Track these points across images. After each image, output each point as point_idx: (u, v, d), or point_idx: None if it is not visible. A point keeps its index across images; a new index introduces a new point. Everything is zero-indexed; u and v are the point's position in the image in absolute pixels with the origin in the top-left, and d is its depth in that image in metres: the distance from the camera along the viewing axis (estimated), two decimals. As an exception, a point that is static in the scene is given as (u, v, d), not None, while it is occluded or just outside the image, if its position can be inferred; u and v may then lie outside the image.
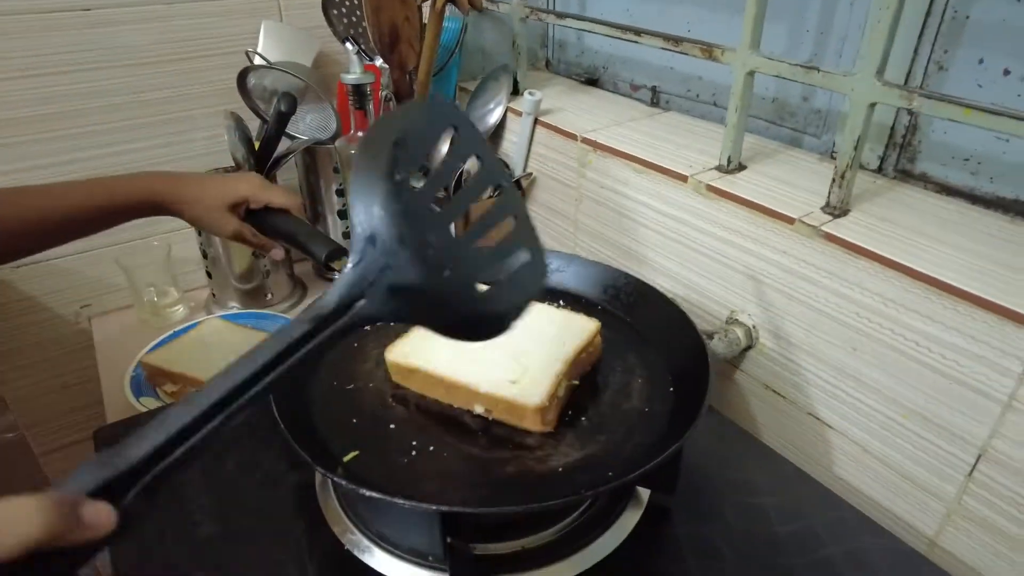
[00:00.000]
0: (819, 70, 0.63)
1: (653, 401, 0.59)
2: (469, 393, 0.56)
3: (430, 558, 0.53)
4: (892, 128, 0.71)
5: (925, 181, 0.70)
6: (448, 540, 0.48)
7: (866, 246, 0.59)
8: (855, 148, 0.62)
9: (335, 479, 0.47)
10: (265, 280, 1.00)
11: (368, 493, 0.46)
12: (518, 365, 0.57)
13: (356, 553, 0.54)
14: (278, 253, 0.74)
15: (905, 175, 0.72)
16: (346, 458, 0.53)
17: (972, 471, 0.57)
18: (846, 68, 0.69)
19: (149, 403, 0.81)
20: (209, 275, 0.99)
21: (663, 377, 0.62)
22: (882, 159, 0.73)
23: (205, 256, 0.98)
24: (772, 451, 0.66)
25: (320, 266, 0.67)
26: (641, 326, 0.68)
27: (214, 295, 1.01)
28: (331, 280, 0.68)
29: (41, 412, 1.05)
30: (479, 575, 0.53)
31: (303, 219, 0.71)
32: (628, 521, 0.57)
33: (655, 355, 0.65)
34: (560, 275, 0.74)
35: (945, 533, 0.60)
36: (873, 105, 0.60)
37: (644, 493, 0.59)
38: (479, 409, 0.56)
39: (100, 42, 0.90)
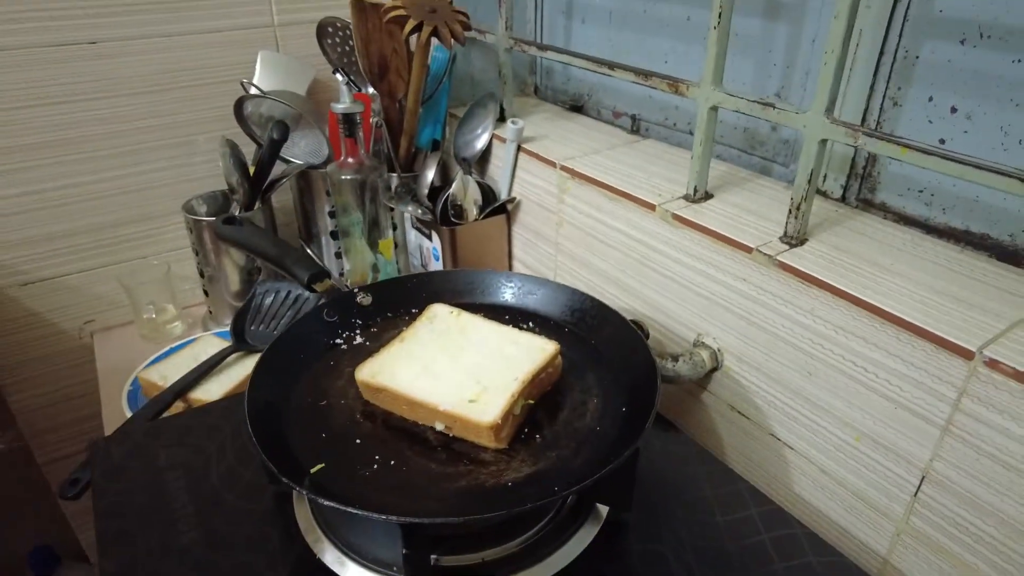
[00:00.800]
0: (775, 107, 0.66)
1: (604, 419, 0.62)
2: (430, 411, 0.59)
3: (395, 568, 0.56)
4: (853, 159, 0.74)
5: (884, 211, 0.73)
6: (405, 550, 0.51)
7: (818, 275, 0.62)
8: (808, 181, 0.65)
9: (299, 490, 0.51)
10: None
11: (326, 503, 0.49)
12: (477, 384, 0.60)
13: (327, 562, 0.57)
14: None
15: (866, 204, 0.75)
16: (313, 470, 0.56)
17: (917, 492, 0.59)
18: (807, 103, 0.72)
19: None
20: (206, 293, 1.04)
21: (617, 397, 0.65)
22: (845, 188, 0.76)
23: (202, 275, 1.02)
24: (731, 471, 0.68)
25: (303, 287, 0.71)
26: (602, 347, 0.71)
27: (211, 312, 1.05)
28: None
29: (44, 423, 1.10)
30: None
31: (287, 243, 0.74)
32: (586, 535, 0.60)
33: (612, 376, 0.67)
34: (531, 297, 0.78)
35: (896, 552, 0.62)
36: (824, 141, 0.63)
37: (603, 509, 0.62)
38: (440, 426, 0.60)
39: (105, 73, 0.95)
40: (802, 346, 0.65)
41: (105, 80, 0.95)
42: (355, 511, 0.48)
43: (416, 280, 0.79)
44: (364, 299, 0.75)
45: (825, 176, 0.77)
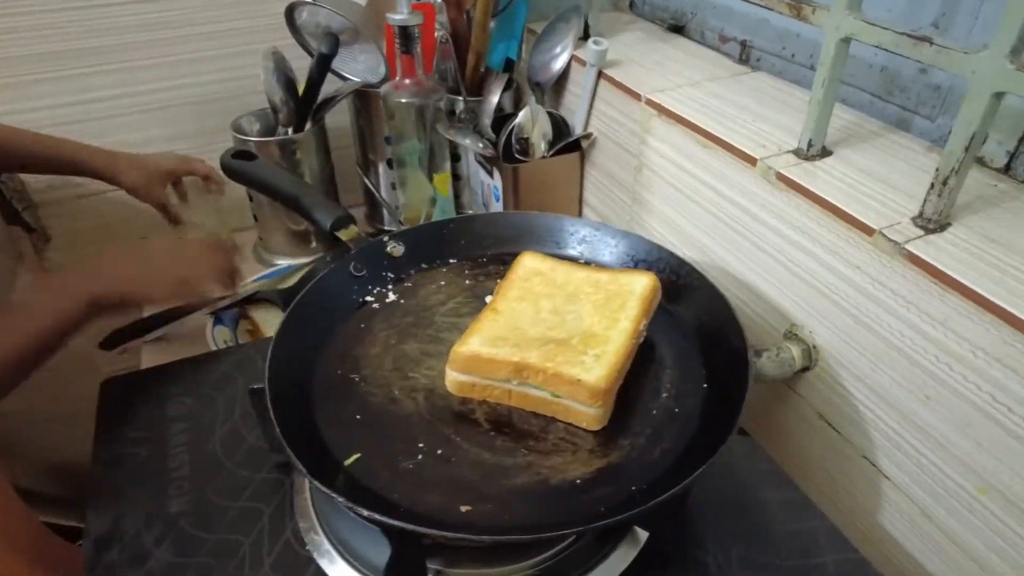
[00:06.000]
0: (931, 42, 0.49)
1: (684, 399, 0.53)
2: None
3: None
4: (1031, 118, 0.56)
5: (1066, 190, 0.55)
6: (393, 557, 0.43)
7: (958, 277, 0.47)
8: (966, 148, 0.48)
9: (333, 496, 0.42)
10: (311, 225, 0.97)
11: (368, 514, 0.41)
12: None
13: (315, 557, 0.51)
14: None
15: (1040, 179, 0.57)
16: (347, 462, 0.49)
17: (1057, 573, 0.45)
18: (978, 39, 0.54)
19: (224, 334, 0.82)
20: (255, 218, 0.98)
21: (697, 371, 0.55)
22: (1012, 156, 0.58)
23: (251, 199, 0.96)
24: (808, 502, 0.56)
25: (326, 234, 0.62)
26: (682, 317, 0.60)
27: (261, 239, 1.00)
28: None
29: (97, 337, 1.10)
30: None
31: (307, 183, 0.65)
32: (618, 563, 0.51)
33: (690, 347, 0.58)
34: (587, 247, 0.67)
35: (1010, 634, 0.49)
36: (1000, 95, 0.46)
37: (642, 533, 0.52)
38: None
39: (151, -30, 0.87)
40: (923, 363, 0.51)
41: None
42: (397, 524, 0.40)
43: (454, 225, 0.68)
44: (395, 249, 0.65)
45: (986, 138, 0.59)
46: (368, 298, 0.64)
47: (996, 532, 0.49)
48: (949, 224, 0.52)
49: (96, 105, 0.93)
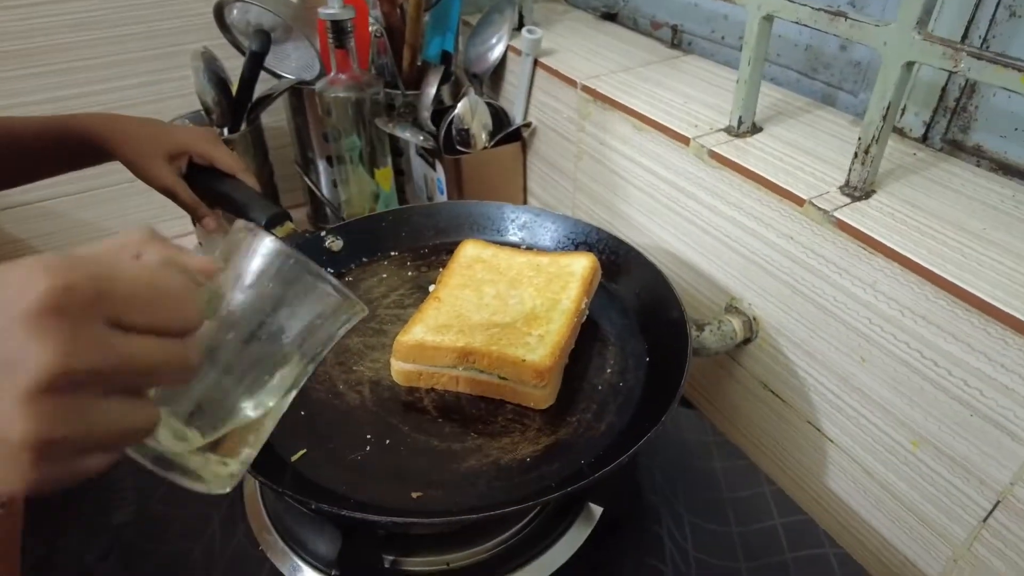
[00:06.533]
0: (847, 17, 0.50)
1: (627, 373, 0.54)
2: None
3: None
4: (944, 88, 0.58)
5: (979, 156, 0.58)
6: (343, 551, 0.43)
7: (885, 240, 0.49)
8: (883, 117, 0.50)
9: (279, 491, 0.42)
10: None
11: (316, 506, 0.41)
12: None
13: (270, 557, 0.50)
14: (210, 223, 0.68)
15: (955, 147, 0.59)
16: (293, 458, 0.48)
17: (987, 517, 0.47)
18: (890, 14, 0.56)
19: None
20: (194, 222, 0.95)
21: (639, 344, 0.56)
22: (928, 125, 0.60)
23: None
24: (755, 469, 0.58)
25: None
26: (622, 295, 0.61)
27: (201, 243, 0.97)
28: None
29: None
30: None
31: (244, 182, 0.64)
32: (574, 539, 0.51)
33: (630, 322, 0.59)
34: (525, 232, 0.67)
35: (949, 580, 0.52)
36: (911, 64, 0.48)
37: (596, 509, 0.53)
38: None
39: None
40: (857, 325, 0.53)
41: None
42: (346, 513, 0.40)
43: (392, 217, 0.68)
44: (334, 243, 0.64)
45: (904, 109, 0.61)
46: (310, 295, 0.63)
47: (930, 482, 0.51)
48: (874, 192, 0.54)
49: (19, 111, 0.89)
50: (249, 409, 0.31)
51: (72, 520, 0.53)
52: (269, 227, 0.60)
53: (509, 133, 0.88)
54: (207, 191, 0.64)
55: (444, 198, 0.89)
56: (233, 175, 0.63)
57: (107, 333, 0.24)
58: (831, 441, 0.59)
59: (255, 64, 0.81)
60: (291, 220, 0.62)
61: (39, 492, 0.24)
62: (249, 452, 0.32)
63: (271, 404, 0.32)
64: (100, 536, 0.52)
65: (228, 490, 0.31)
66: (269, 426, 0.33)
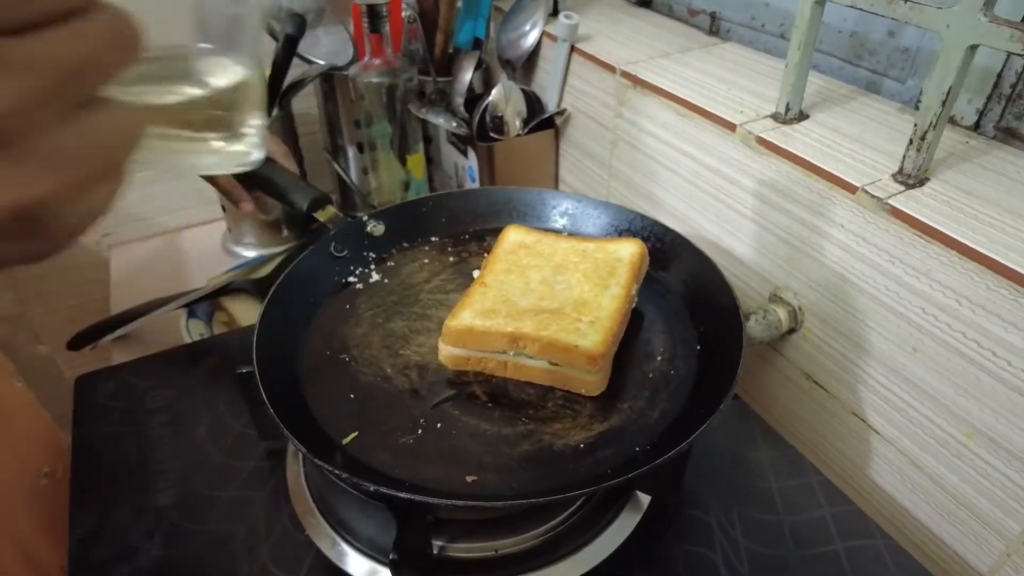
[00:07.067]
0: (906, 0, 0.49)
1: (676, 360, 0.53)
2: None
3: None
4: (999, 74, 0.57)
5: (1034, 144, 0.57)
6: (398, 534, 0.43)
7: (941, 228, 0.48)
8: (943, 103, 0.49)
9: (333, 472, 0.42)
10: (282, 214, 0.95)
11: (375, 488, 0.41)
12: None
13: (314, 540, 0.50)
14: (247, 206, 0.67)
15: (1009, 135, 0.58)
16: (345, 441, 0.48)
17: (1045, 511, 0.47)
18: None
19: (198, 327, 0.79)
20: (224, 208, 0.95)
21: (688, 332, 0.56)
22: (981, 113, 0.59)
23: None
24: (802, 459, 0.57)
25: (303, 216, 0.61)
26: (670, 283, 0.60)
27: (230, 229, 0.97)
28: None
29: (66, 337, 1.06)
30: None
31: (282, 165, 0.63)
32: (622, 528, 0.51)
33: (678, 310, 0.58)
34: (568, 220, 0.67)
35: (1001, 574, 0.51)
36: (973, 48, 0.47)
37: (644, 498, 0.52)
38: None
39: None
40: (909, 315, 0.52)
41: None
42: (405, 496, 0.40)
43: (432, 203, 0.67)
44: (375, 228, 0.64)
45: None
46: (351, 279, 0.62)
47: (984, 475, 0.50)
48: (927, 179, 0.53)
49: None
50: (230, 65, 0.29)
51: (119, 500, 0.53)
52: (311, 210, 0.60)
53: (542, 120, 0.87)
54: (250, 178, 0.63)
55: (475, 185, 0.89)
56: (272, 159, 0.62)
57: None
58: (877, 432, 0.58)
59: (290, 48, 0.81)
60: (332, 204, 0.61)
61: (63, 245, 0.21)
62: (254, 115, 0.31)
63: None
64: (145, 516, 0.52)
65: (260, 155, 0.30)
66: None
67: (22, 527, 0.55)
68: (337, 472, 0.41)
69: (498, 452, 0.46)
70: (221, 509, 0.53)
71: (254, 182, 0.64)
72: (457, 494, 0.43)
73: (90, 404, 0.62)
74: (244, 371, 0.50)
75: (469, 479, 0.44)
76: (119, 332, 0.78)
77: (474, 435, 0.48)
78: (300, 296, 0.58)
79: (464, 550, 0.48)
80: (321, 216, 0.60)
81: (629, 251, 0.57)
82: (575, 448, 0.46)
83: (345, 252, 0.63)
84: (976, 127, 0.60)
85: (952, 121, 0.61)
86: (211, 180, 0.66)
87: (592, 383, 0.49)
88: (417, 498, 0.40)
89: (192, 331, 0.78)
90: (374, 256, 0.64)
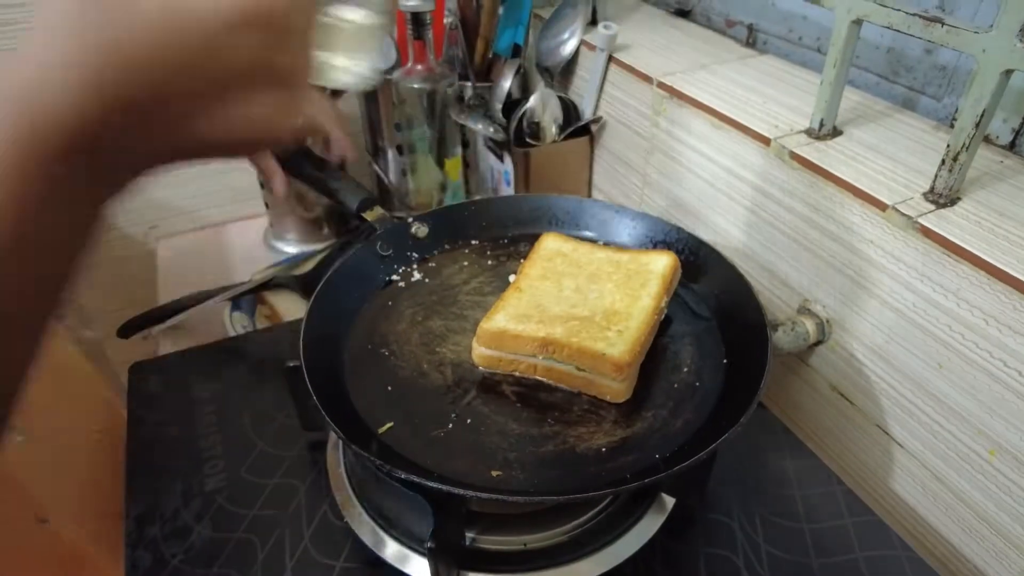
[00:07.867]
0: (943, 23, 0.50)
1: (703, 373, 0.55)
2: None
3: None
4: (1035, 95, 0.58)
5: (1069, 165, 0.57)
6: (435, 526, 0.45)
7: (971, 248, 0.49)
8: (977, 125, 0.50)
9: (368, 458, 0.45)
10: (323, 212, 0.98)
11: (405, 476, 0.43)
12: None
13: (354, 528, 0.52)
14: (280, 188, 0.69)
15: (1044, 155, 0.59)
16: (381, 430, 0.51)
17: (1066, 529, 0.48)
18: (983, 18, 0.56)
19: (242, 320, 0.82)
20: (267, 205, 0.98)
21: (716, 347, 0.57)
22: (1016, 134, 0.60)
23: (263, 186, 0.96)
24: (826, 469, 0.58)
25: (352, 215, 0.64)
26: (700, 294, 0.62)
27: (272, 225, 1.01)
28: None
29: (112, 324, 1.10)
30: (472, 568, 0.50)
31: (333, 164, 0.66)
32: (647, 528, 0.52)
33: (707, 324, 0.60)
34: (599, 226, 0.69)
35: (1021, 589, 0.52)
36: (1009, 72, 0.48)
37: (669, 500, 0.54)
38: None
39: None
40: (936, 332, 0.53)
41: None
42: (435, 485, 0.43)
43: (475, 207, 0.70)
44: (420, 230, 0.67)
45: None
46: (394, 277, 0.65)
47: (1007, 492, 0.51)
48: (959, 199, 0.54)
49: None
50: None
51: (172, 483, 0.56)
52: (360, 210, 0.63)
53: (578, 127, 0.89)
54: (294, 168, 0.65)
55: (510, 190, 0.91)
56: (323, 160, 0.65)
57: None
58: (900, 445, 0.59)
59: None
60: (380, 205, 0.64)
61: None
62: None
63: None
64: (195, 499, 0.55)
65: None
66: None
67: (82, 475, 0.59)
68: (371, 459, 0.44)
69: (523, 450, 0.49)
70: (266, 495, 0.56)
71: (304, 176, 0.66)
72: (481, 487, 0.45)
73: (142, 390, 0.66)
74: (292, 365, 0.53)
75: (494, 474, 0.47)
76: (169, 323, 0.81)
77: (501, 432, 0.50)
78: (346, 291, 0.61)
79: (494, 543, 0.51)
80: (369, 216, 0.63)
81: (662, 263, 0.58)
82: (597, 452, 0.48)
83: (390, 251, 0.66)
84: (1011, 147, 0.60)
85: (986, 140, 0.61)
86: (253, 160, 0.69)
87: (618, 390, 0.51)
88: (443, 488, 0.42)
89: (236, 323, 0.82)
90: (416, 256, 0.67)
